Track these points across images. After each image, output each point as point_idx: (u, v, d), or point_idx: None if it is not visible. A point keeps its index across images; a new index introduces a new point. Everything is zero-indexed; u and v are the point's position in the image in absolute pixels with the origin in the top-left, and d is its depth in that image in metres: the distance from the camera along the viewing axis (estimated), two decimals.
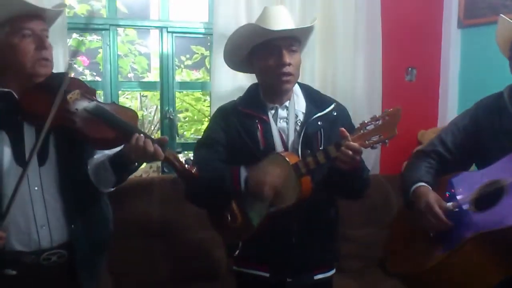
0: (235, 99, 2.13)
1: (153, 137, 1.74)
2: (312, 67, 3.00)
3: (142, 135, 1.70)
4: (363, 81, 3.15)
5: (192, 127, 4.09)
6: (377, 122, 1.74)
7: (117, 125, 1.74)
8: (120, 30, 4.20)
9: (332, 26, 3.05)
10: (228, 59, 2.09)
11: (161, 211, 2.70)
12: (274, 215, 1.85)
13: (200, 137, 2.12)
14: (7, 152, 1.72)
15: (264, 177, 1.80)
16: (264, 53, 1.93)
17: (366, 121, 1.77)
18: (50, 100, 1.70)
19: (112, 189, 1.91)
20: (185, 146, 3.25)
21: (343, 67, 3.09)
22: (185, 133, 4.17)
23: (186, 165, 1.73)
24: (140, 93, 4.27)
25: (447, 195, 1.84)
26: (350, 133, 1.78)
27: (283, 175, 1.80)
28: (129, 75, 4.39)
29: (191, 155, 3.96)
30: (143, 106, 4.46)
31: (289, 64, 1.90)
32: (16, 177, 1.65)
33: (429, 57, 3.45)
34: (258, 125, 1.96)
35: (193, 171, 1.73)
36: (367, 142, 1.74)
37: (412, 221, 1.92)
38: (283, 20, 1.94)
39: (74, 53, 2.67)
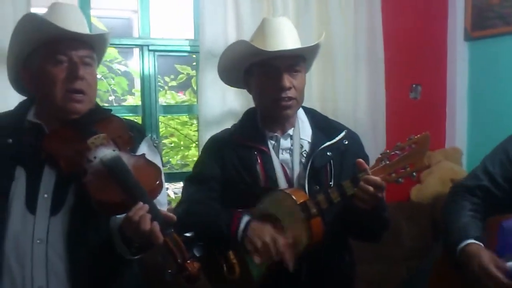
0: (230, 127, 1.85)
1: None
2: (309, 88, 2.70)
3: (145, 205, 1.35)
4: (365, 100, 2.91)
5: (179, 153, 3.79)
6: (402, 151, 1.46)
7: (127, 187, 1.38)
8: None
9: (330, 43, 2.80)
10: (223, 77, 1.82)
11: None
12: (278, 265, 1.54)
13: (191, 172, 1.83)
14: (20, 193, 1.47)
15: (266, 237, 1.50)
16: (261, 74, 1.65)
17: (388, 151, 1.48)
18: (71, 143, 1.46)
19: (134, 257, 1.52)
20: (171, 176, 2.93)
21: (343, 86, 2.84)
22: (170, 160, 3.86)
23: (189, 260, 1.32)
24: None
25: (498, 242, 1.55)
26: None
27: (292, 230, 1.51)
28: (110, 98, 4.09)
29: (178, 185, 3.68)
30: None
31: (289, 88, 1.62)
32: (23, 224, 1.44)
33: (435, 72, 3.22)
34: (257, 157, 1.66)
35: (193, 270, 1.31)
36: (390, 175, 1.46)
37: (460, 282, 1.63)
38: (284, 35, 1.66)
39: None
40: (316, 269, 1.62)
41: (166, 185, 1.73)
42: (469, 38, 3.10)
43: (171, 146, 3.86)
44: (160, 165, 1.57)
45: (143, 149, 1.61)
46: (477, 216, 1.68)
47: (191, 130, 3.66)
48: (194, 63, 3.10)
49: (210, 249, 1.62)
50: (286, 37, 1.64)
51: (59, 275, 1.45)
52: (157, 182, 1.46)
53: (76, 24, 1.52)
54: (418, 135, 1.46)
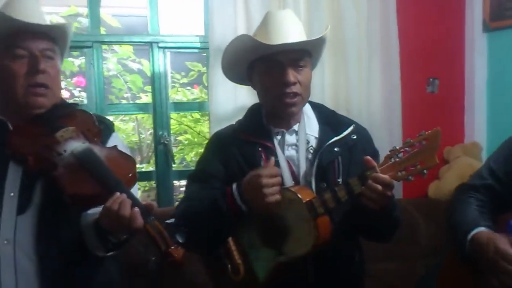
0: (234, 123, 1.80)
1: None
2: (321, 83, 2.67)
3: (124, 194, 1.33)
4: (379, 95, 2.82)
5: (193, 150, 3.76)
6: (412, 148, 1.40)
7: (101, 178, 1.36)
8: (115, 47, 3.94)
9: (343, 37, 2.74)
10: (228, 74, 1.78)
11: None
12: (285, 265, 1.50)
13: (194, 169, 1.78)
14: None
15: (262, 172, 1.45)
16: (264, 69, 1.60)
17: (397, 147, 1.42)
18: (38, 138, 1.42)
19: (108, 254, 1.49)
20: (185, 174, 2.90)
21: (356, 80, 2.76)
22: (185, 157, 3.84)
23: (173, 247, 1.30)
24: (136, 116, 3.94)
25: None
26: (375, 161, 1.43)
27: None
28: (125, 95, 4.08)
29: None
30: (141, 128, 4.14)
31: (294, 83, 1.56)
32: None
33: (452, 65, 3.11)
34: (262, 154, 1.61)
35: (177, 256, 1.29)
36: (399, 173, 1.40)
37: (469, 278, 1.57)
38: (288, 28, 1.60)
39: None
40: (324, 269, 1.57)
41: (181, 182, 1.70)
42: (488, 29, 2.99)
43: (185, 143, 3.83)
44: None
45: (113, 142, 1.58)
46: (484, 211, 1.63)
47: (204, 127, 3.63)
48: (205, 60, 3.05)
49: (214, 249, 1.59)
50: (290, 31, 1.58)
51: (28, 276, 1.40)
52: (131, 174, 1.43)
53: (34, 17, 1.48)
54: (429, 131, 1.39)
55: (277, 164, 1.60)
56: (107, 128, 1.63)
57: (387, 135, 2.79)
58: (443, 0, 3.06)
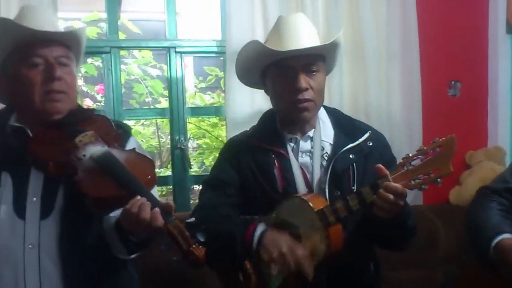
0: (250, 128, 1.79)
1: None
2: (340, 86, 2.63)
3: (143, 198, 1.33)
4: (399, 98, 2.76)
5: (211, 154, 3.75)
6: (426, 155, 1.36)
7: (121, 181, 1.37)
8: (135, 52, 3.97)
9: (362, 38, 2.69)
10: (242, 79, 1.78)
11: None
12: (297, 275, 1.47)
13: (208, 176, 1.77)
14: (7, 199, 1.44)
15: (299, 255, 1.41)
16: (276, 75, 1.58)
17: (410, 155, 1.38)
18: (58, 143, 1.44)
19: (130, 257, 1.50)
20: (202, 178, 2.89)
21: (376, 83, 2.71)
22: (204, 161, 3.83)
23: (194, 245, 1.30)
24: (156, 120, 3.96)
25: None
26: (390, 169, 1.40)
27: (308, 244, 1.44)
28: (146, 100, 4.11)
29: None
30: (161, 132, 4.16)
31: (306, 89, 1.54)
32: (13, 229, 1.41)
33: (475, 68, 3.03)
34: (275, 161, 1.60)
35: (199, 255, 1.29)
36: (413, 182, 1.37)
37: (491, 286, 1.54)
38: (299, 33, 1.58)
39: None
40: (337, 279, 1.54)
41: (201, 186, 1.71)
42: None
43: (204, 148, 3.83)
44: None
45: (131, 146, 1.59)
46: (507, 216, 1.58)
47: (222, 131, 3.62)
48: (223, 65, 3.04)
49: (226, 258, 1.57)
50: (302, 35, 1.56)
51: (52, 279, 1.43)
52: (150, 176, 1.43)
53: (47, 25, 1.50)
54: (443, 138, 1.35)
55: (289, 171, 1.58)
56: (125, 132, 1.65)
57: (407, 140, 2.73)
58: (466, 0, 2.99)
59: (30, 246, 1.42)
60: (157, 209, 1.31)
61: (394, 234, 1.52)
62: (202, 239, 1.31)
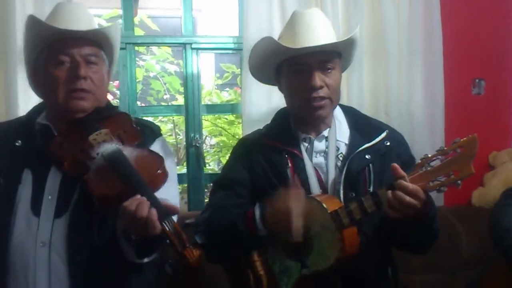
0: (261, 128, 1.74)
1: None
2: (360, 83, 2.57)
3: (143, 197, 1.30)
4: (421, 97, 2.70)
5: (229, 152, 3.71)
6: (446, 156, 1.30)
7: (126, 179, 1.35)
8: (154, 48, 3.96)
9: (383, 35, 2.62)
10: (256, 76, 1.74)
11: None
12: (310, 279, 1.42)
13: (219, 175, 1.74)
14: (26, 196, 1.45)
15: (286, 204, 1.36)
16: (291, 72, 1.54)
17: (430, 155, 1.32)
18: (76, 142, 1.43)
19: (142, 260, 1.46)
20: (216, 177, 2.85)
21: (397, 80, 2.65)
22: (221, 159, 3.80)
23: (189, 247, 1.27)
24: (173, 117, 3.94)
25: None
26: (408, 170, 1.34)
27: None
28: (164, 97, 4.10)
29: None
30: (178, 130, 4.14)
31: (321, 87, 1.49)
32: (28, 227, 1.42)
33: (499, 66, 2.95)
34: (288, 160, 1.55)
35: (190, 257, 1.26)
36: (431, 183, 1.30)
37: None
38: (315, 29, 1.53)
39: None
40: (353, 283, 1.49)
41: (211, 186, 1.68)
42: None
43: (221, 146, 3.80)
44: (172, 165, 1.50)
45: (155, 148, 1.56)
46: None
47: (238, 129, 3.59)
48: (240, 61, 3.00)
49: (236, 259, 1.54)
50: (317, 31, 1.51)
51: (61, 278, 1.42)
52: (158, 171, 1.40)
53: (81, 22, 1.50)
54: (464, 138, 1.29)
55: (303, 171, 1.53)
56: (152, 132, 1.62)
57: (429, 140, 2.67)
58: None
59: (41, 244, 1.42)
60: (153, 210, 1.29)
61: (419, 236, 1.46)
62: (199, 241, 1.29)
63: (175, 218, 1.36)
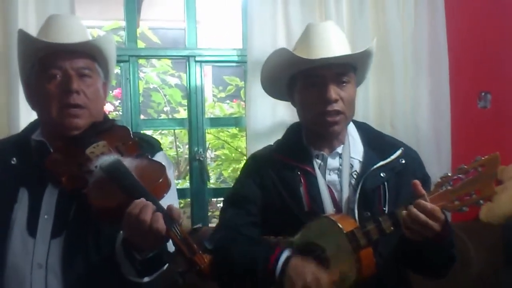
0: (272, 139, 1.70)
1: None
2: (365, 96, 2.54)
3: (148, 201, 1.25)
4: (427, 110, 2.67)
5: (230, 165, 3.68)
6: (467, 175, 1.26)
7: (127, 189, 1.29)
8: (154, 61, 3.92)
9: (388, 48, 2.60)
10: (267, 90, 1.70)
11: None
12: None
13: (230, 191, 1.69)
14: (22, 216, 1.39)
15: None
16: (305, 85, 1.50)
17: (450, 174, 1.28)
18: (72, 157, 1.39)
19: (141, 280, 1.39)
20: (221, 191, 2.82)
21: (402, 92, 2.62)
22: (223, 172, 3.76)
23: (199, 253, 1.20)
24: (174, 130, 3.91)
25: None
26: (425, 187, 1.30)
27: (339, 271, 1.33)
28: (165, 109, 4.06)
29: None
30: (179, 142, 4.10)
31: (336, 101, 1.45)
32: (23, 248, 1.37)
33: (506, 78, 2.92)
34: (301, 178, 1.50)
35: (202, 264, 1.20)
36: (453, 203, 1.26)
37: None
38: (330, 41, 1.51)
39: None
40: None
41: (219, 198, 1.63)
42: None
43: (222, 159, 3.76)
44: (171, 177, 1.44)
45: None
46: None
47: (241, 142, 3.55)
48: (243, 74, 2.97)
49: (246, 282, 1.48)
50: (332, 44, 1.48)
51: None
52: (160, 180, 1.35)
53: (72, 35, 1.46)
54: (486, 156, 1.25)
55: (316, 189, 1.49)
56: (151, 147, 1.58)
57: (435, 153, 2.63)
58: (496, 8, 2.88)
59: (37, 265, 1.37)
60: (158, 214, 1.23)
61: (436, 260, 1.43)
62: (209, 247, 1.25)
63: None
